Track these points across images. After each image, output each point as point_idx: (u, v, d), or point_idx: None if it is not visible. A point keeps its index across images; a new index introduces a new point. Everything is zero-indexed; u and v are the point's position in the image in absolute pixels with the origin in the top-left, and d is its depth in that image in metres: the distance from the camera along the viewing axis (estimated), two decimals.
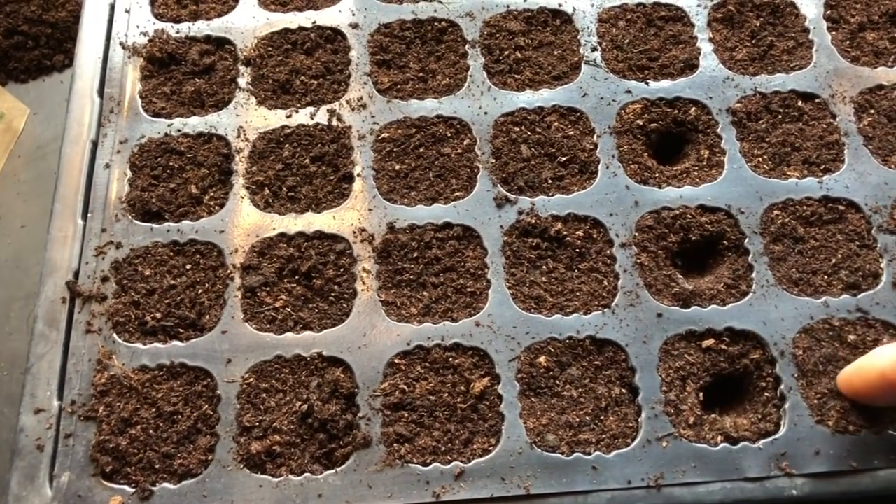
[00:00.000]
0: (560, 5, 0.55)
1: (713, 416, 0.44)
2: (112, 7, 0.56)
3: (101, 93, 0.53)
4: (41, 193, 0.62)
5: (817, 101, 0.51)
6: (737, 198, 0.48)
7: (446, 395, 0.44)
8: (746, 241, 0.47)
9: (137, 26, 0.55)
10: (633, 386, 0.44)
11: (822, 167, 0.49)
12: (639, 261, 0.47)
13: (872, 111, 0.51)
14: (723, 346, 0.45)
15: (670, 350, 0.45)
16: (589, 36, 0.54)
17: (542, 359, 0.44)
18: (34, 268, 0.58)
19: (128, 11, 0.56)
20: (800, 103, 0.51)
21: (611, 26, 0.54)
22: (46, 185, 0.62)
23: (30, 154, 0.64)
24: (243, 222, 0.48)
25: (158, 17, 0.56)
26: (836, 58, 0.53)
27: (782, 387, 0.43)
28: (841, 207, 0.48)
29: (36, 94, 0.66)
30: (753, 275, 0.46)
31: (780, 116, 0.51)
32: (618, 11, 0.55)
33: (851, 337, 0.45)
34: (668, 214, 0.48)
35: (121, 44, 0.55)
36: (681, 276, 0.47)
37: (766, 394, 0.44)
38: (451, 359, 0.44)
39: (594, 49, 0.53)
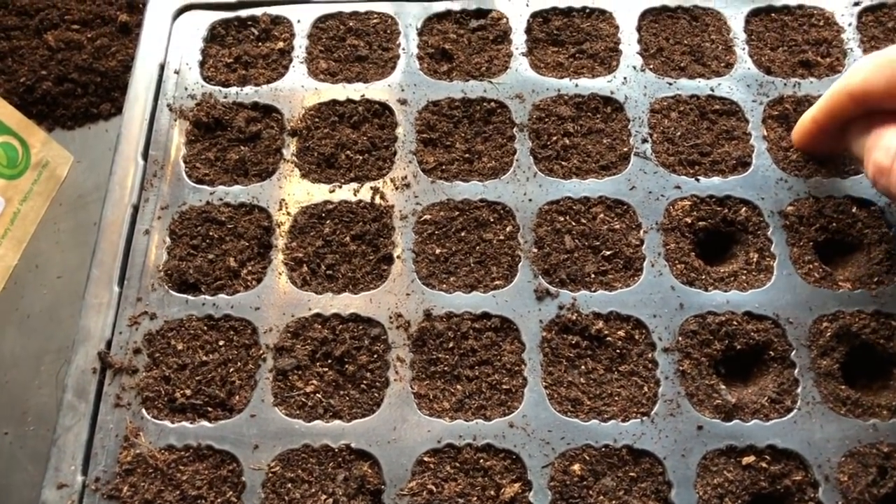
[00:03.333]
0: (612, 93, 0.54)
1: None
2: (162, 67, 0.56)
3: (145, 155, 0.53)
4: (79, 244, 0.62)
5: (872, 208, 0.50)
6: (785, 307, 0.47)
7: (475, 498, 0.42)
8: (793, 353, 0.46)
9: (186, 88, 0.55)
10: (668, 501, 0.42)
11: (876, 279, 0.48)
12: (681, 368, 0.45)
13: None
14: (763, 465, 0.43)
15: (709, 465, 0.43)
16: (640, 126, 0.53)
17: (576, 466, 0.43)
18: (67, 320, 0.58)
19: (177, 72, 0.56)
20: (854, 210, 0.50)
21: (663, 117, 0.53)
22: (85, 235, 0.62)
23: (71, 203, 0.64)
24: (279, 300, 0.48)
25: (207, 80, 0.56)
26: None
27: None
28: (894, 324, 0.46)
29: (81, 142, 0.66)
30: (799, 390, 0.45)
31: (833, 223, 0.49)
32: (671, 102, 0.54)
33: None
34: (713, 320, 0.47)
35: (168, 106, 0.55)
36: (723, 387, 0.45)
37: None
38: (482, 460, 0.43)
39: (644, 140, 0.52)
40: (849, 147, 0.46)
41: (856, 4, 0.57)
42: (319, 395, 0.45)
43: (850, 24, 0.56)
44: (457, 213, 0.50)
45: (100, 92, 0.66)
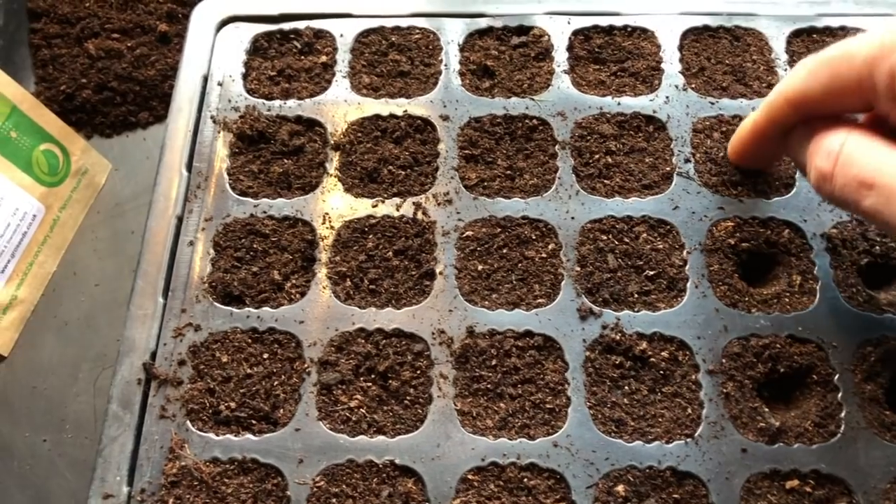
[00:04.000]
0: (654, 111, 0.54)
1: None
2: (205, 79, 0.57)
3: (189, 167, 0.53)
4: (117, 252, 0.62)
5: None
6: (828, 330, 0.47)
7: None
8: (837, 377, 0.46)
9: (229, 101, 0.56)
10: None
11: None
12: (725, 390, 0.45)
13: None
14: (807, 489, 0.43)
15: (753, 489, 0.43)
16: (682, 146, 0.53)
17: (620, 487, 0.43)
18: (105, 328, 0.59)
19: (220, 84, 0.56)
20: None
21: (705, 137, 0.53)
22: (123, 243, 0.63)
23: (108, 210, 0.64)
24: (323, 314, 0.48)
25: (251, 92, 0.56)
26: None
27: None
28: None
29: (119, 150, 0.67)
30: (843, 414, 0.45)
31: (876, 246, 0.49)
32: (713, 122, 0.54)
33: None
34: (756, 342, 0.47)
35: (212, 118, 0.55)
36: (767, 410, 0.45)
37: None
38: (526, 479, 0.43)
39: (687, 160, 0.52)
40: (791, 155, 0.45)
41: None
42: (363, 410, 0.45)
43: None
44: (499, 229, 0.51)
45: (138, 101, 0.67)
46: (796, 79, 0.42)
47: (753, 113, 0.46)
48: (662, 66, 0.56)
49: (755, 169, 0.51)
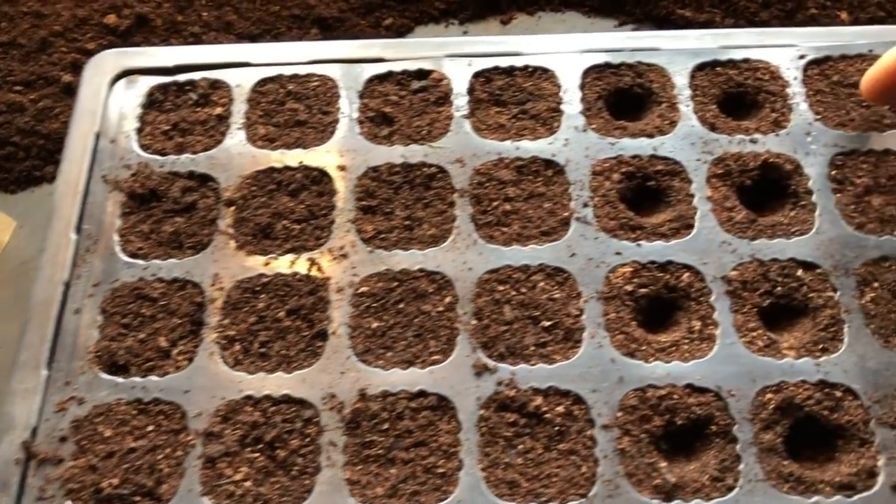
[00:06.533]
0: (553, 155, 0.53)
1: None
2: (97, 137, 0.55)
3: (78, 230, 0.52)
4: (20, 313, 0.60)
5: (818, 271, 0.49)
6: (727, 378, 0.46)
7: None
8: (735, 427, 0.45)
9: (121, 158, 0.54)
10: None
11: (821, 346, 0.47)
12: (620, 445, 0.44)
13: (876, 285, 0.49)
14: None
15: None
16: (581, 190, 0.52)
17: None
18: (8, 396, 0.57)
19: (113, 142, 0.55)
20: (799, 273, 0.49)
21: (605, 179, 0.52)
22: (27, 304, 0.60)
23: (12, 270, 0.63)
24: (209, 382, 0.46)
25: (144, 148, 0.55)
26: (839, 224, 0.50)
27: None
28: (838, 394, 0.45)
29: (24, 206, 0.65)
30: (741, 467, 0.44)
31: (778, 287, 0.48)
32: (613, 164, 0.53)
33: None
34: (653, 394, 0.46)
35: (103, 177, 0.53)
36: (664, 465, 0.44)
37: None
38: None
39: (585, 205, 0.51)
40: None
41: (801, 58, 0.56)
42: (249, 483, 0.44)
43: (795, 78, 0.55)
44: (395, 283, 0.49)
45: (43, 154, 0.65)
46: None
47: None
48: (562, 107, 0.55)
49: (886, 105, 0.52)
